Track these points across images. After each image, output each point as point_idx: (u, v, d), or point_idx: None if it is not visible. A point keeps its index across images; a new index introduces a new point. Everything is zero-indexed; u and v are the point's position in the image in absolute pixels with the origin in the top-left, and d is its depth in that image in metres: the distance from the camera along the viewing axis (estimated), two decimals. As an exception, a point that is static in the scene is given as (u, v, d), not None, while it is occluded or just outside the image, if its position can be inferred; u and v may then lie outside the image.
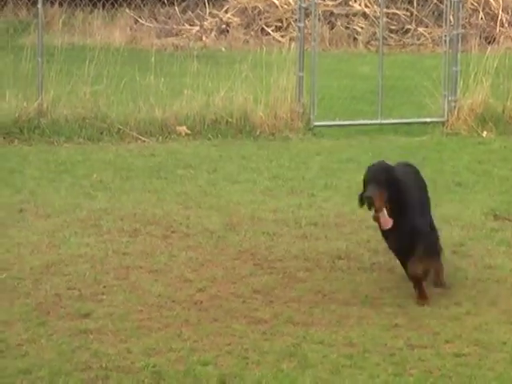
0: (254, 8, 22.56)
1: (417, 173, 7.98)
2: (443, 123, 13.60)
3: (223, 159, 11.83)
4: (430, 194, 7.82)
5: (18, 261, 7.92)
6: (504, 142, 12.89)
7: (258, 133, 13.14)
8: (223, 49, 19.79)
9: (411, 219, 7.30)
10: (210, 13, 22.79)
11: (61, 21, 20.06)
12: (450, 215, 9.43)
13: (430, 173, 11.14)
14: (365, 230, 8.87)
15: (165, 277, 7.57)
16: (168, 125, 13.18)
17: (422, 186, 7.87)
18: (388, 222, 7.07)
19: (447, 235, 8.77)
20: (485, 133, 13.30)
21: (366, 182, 7.47)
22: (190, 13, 23.09)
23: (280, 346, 6.29)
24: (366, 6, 22.24)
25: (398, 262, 7.50)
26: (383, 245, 8.41)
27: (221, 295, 7.22)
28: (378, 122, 13.57)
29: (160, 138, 12.93)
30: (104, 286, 7.35)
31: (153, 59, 13.81)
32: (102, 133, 12.89)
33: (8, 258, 7.99)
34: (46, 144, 12.65)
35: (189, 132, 13.18)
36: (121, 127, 13.00)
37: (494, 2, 22.44)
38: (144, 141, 12.81)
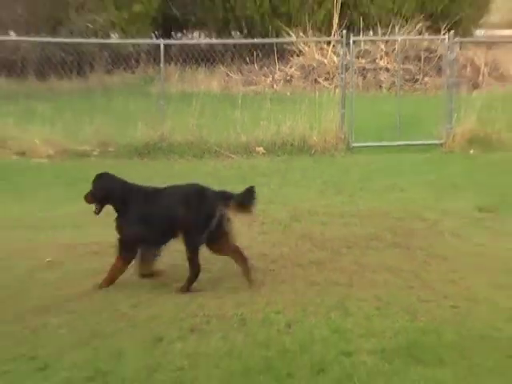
0: (310, 65, 22.51)
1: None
2: (442, 144, 13.57)
3: (288, 170, 11.86)
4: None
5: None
6: (485, 157, 12.83)
7: (313, 152, 13.16)
8: (288, 93, 19.76)
9: None
10: (279, 68, 22.77)
11: (176, 75, 20.24)
12: (448, 208, 9.40)
13: (434, 178, 11.12)
14: (389, 220, 8.87)
15: (248, 252, 7.55)
16: (250, 146, 13.23)
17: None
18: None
19: (447, 222, 8.75)
20: (472, 151, 13.23)
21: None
22: (265, 68, 23.10)
23: (329, 301, 6.28)
24: (388, 63, 22.13)
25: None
26: (404, 229, 8.41)
27: (287, 264, 7.24)
28: (397, 143, 13.56)
29: (244, 155, 12.99)
30: (205, 259, 7.37)
31: (239, 101, 13.88)
32: (203, 152, 12.98)
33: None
34: (166, 160, 12.77)
35: (264, 151, 13.22)
36: (217, 149, 13.09)
37: (477, 60, 22.30)
38: (233, 158, 12.87)
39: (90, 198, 6.81)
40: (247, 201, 6.71)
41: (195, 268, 6.60)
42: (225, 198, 6.72)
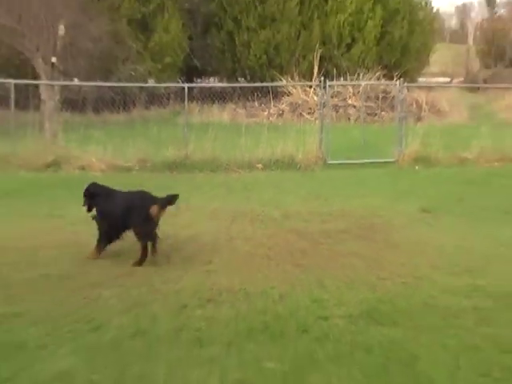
0: (296, 103, 22.57)
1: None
2: (395, 162, 13.55)
3: (280, 181, 11.83)
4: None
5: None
6: (426, 172, 12.82)
7: (298, 167, 13.13)
8: (280, 124, 19.78)
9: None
10: (273, 105, 22.82)
11: (197, 109, 20.28)
12: (399, 209, 9.39)
13: (389, 187, 11.11)
14: (355, 218, 8.84)
15: (250, 241, 7.58)
16: (251, 163, 13.21)
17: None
18: None
19: (398, 220, 8.74)
20: (416, 167, 13.21)
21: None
22: (263, 105, 23.14)
23: (311, 279, 6.28)
24: (355, 101, 22.20)
25: None
26: (366, 224, 8.39)
27: (279, 251, 7.22)
28: (362, 161, 13.55)
29: (247, 170, 12.96)
30: (217, 247, 7.39)
31: (243, 129, 13.88)
32: (217, 168, 12.96)
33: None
34: (189, 174, 12.74)
35: (262, 167, 13.20)
36: (227, 165, 13.08)
37: (420, 100, 22.37)
38: (239, 172, 12.85)
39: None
40: (172, 201, 6.89)
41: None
42: (156, 200, 6.89)
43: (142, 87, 22.19)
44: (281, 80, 22.18)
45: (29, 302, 5.59)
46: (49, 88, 15.11)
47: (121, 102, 19.09)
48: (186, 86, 15.92)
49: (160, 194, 7.02)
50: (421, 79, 31.52)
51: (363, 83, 20.26)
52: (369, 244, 7.56)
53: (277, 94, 22.98)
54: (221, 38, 26.25)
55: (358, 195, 10.47)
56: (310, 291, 5.94)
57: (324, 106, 14.20)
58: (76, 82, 19.61)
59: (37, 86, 15.58)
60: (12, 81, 13.83)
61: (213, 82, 28.36)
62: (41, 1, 15.57)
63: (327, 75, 21.03)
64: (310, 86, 21.90)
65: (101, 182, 7.36)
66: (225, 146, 13.44)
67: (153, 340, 4.90)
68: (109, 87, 20.24)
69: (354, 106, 21.99)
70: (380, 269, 6.61)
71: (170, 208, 8.47)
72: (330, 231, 8.10)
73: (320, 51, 24.85)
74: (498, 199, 10.12)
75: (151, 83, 23.41)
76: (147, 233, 6.85)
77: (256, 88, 22.25)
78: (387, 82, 21.46)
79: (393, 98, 18.05)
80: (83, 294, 5.82)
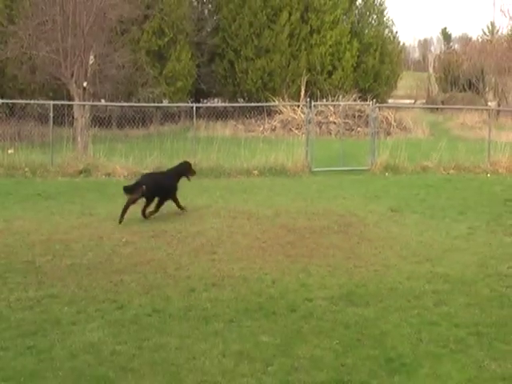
0: (286, 120, 22.48)
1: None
2: (369, 169, 13.50)
3: (273, 185, 11.75)
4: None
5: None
6: (395, 178, 12.76)
7: (288, 174, 13.05)
8: (273, 137, 19.75)
9: None
10: (267, 121, 22.77)
11: (203, 126, 20.23)
12: (372, 209, 9.36)
13: (364, 191, 11.07)
14: (335, 216, 8.79)
15: (248, 236, 7.55)
16: (249, 170, 13.11)
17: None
18: None
19: (371, 218, 8.72)
20: (386, 174, 13.16)
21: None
22: (258, 121, 23.09)
23: (298, 267, 6.28)
24: (335, 118, 22.12)
25: None
26: (344, 222, 8.36)
27: (272, 244, 7.20)
28: (341, 169, 13.49)
29: (245, 176, 12.88)
30: (220, 240, 7.38)
31: (242, 142, 13.86)
32: (220, 174, 12.84)
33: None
34: (197, 179, 12.60)
35: (258, 173, 13.13)
36: (229, 172, 13.03)
37: (389, 117, 22.35)
38: (239, 177, 12.78)
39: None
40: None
41: None
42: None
43: (157, 107, 22.15)
44: (274, 101, 22.07)
45: (60, 287, 5.58)
46: (80, 108, 15.09)
47: (140, 119, 19.07)
48: (194, 105, 15.97)
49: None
50: (390, 101, 31.51)
51: (342, 104, 20.21)
52: (347, 238, 7.55)
53: (270, 112, 22.92)
54: (223, 65, 26.30)
55: (337, 197, 10.45)
56: (297, 277, 5.95)
57: (309, 123, 14.16)
58: (103, 102, 19.56)
59: (71, 106, 15.55)
60: (51, 102, 13.89)
61: (217, 103, 28.29)
62: (75, 35, 15.56)
63: (312, 97, 21.01)
64: (298, 106, 21.81)
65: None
66: (227, 156, 13.39)
67: (166, 317, 4.91)
68: (130, 107, 20.21)
69: (335, 123, 21.91)
70: (356, 259, 6.62)
71: (177, 208, 8.55)
72: (314, 227, 8.08)
73: (306, 77, 24.92)
74: (453, 201, 10.13)
75: (165, 103, 23.34)
76: None
77: (253, 107, 22.19)
78: (362, 103, 21.42)
79: (367, 116, 18.02)
80: (109, 279, 5.82)
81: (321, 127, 21.69)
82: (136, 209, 8.39)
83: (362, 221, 8.52)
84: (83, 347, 4.33)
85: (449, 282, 5.81)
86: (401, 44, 35.33)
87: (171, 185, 8.61)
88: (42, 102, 17.70)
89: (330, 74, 27.39)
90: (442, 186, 11.61)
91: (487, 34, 42.53)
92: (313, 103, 14.27)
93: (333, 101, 22.46)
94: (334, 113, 22.38)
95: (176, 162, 9.53)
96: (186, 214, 8.78)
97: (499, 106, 28.48)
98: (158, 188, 8.35)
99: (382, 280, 5.85)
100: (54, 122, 13.51)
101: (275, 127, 22.38)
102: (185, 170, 9.01)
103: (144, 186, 8.19)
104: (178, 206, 8.69)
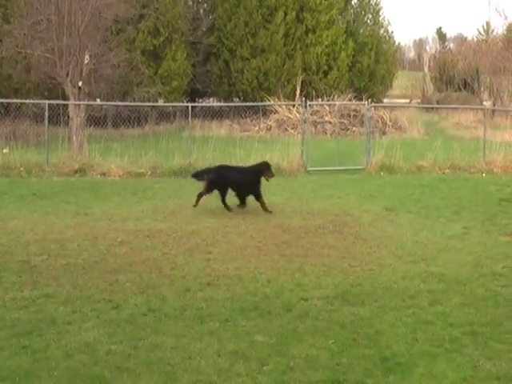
0: (282, 119, 22.49)
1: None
2: (364, 169, 13.51)
3: (269, 185, 11.71)
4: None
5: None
6: (389, 177, 12.78)
7: (284, 173, 13.02)
8: (268, 137, 19.72)
9: None
10: (263, 121, 22.76)
11: (198, 125, 20.21)
12: (367, 208, 9.37)
13: (359, 190, 11.08)
14: (330, 215, 8.80)
15: (243, 235, 7.55)
16: (244, 170, 13.12)
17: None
18: None
19: (366, 217, 8.74)
20: (382, 173, 13.18)
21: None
22: (254, 121, 23.07)
23: (294, 266, 6.28)
24: (330, 118, 22.14)
25: None
26: (339, 221, 8.36)
27: (268, 243, 7.20)
28: (336, 168, 13.50)
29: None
30: (215, 240, 7.36)
31: (238, 142, 13.84)
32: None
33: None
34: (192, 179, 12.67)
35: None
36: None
37: (384, 117, 22.38)
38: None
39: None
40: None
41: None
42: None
43: (153, 106, 22.17)
44: (269, 100, 22.05)
45: (55, 287, 5.56)
46: (76, 107, 15.05)
47: (135, 118, 19.02)
48: (189, 105, 15.97)
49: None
50: (385, 100, 31.56)
51: (337, 103, 20.21)
52: (342, 237, 7.55)
53: (265, 112, 22.91)
54: (219, 65, 26.28)
55: (333, 197, 10.46)
56: (292, 276, 5.94)
57: (305, 122, 14.17)
58: (98, 102, 19.55)
59: (66, 106, 15.52)
60: (46, 101, 13.87)
61: (212, 102, 28.27)
62: (70, 34, 15.53)
63: (307, 96, 20.99)
64: (293, 106, 21.83)
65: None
66: (222, 156, 13.36)
67: (162, 317, 4.90)
68: (125, 106, 20.20)
69: (330, 122, 21.93)
70: (351, 258, 6.62)
71: (173, 207, 8.47)
72: (309, 226, 8.09)
73: (302, 76, 24.92)
74: (448, 200, 10.16)
75: (161, 103, 23.34)
76: None
77: (248, 107, 22.19)
78: (357, 103, 21.43)
79: (362, 115, 18.04)
80: (104, 279, 5.81)
81: (316, 127, 21.70)
82: (132, 207, 8.37)
83: (357, 220, 8.52)
84: (78, 347, 4.31)
85: (444, 282, 5.83)
86: (396, 43, 35.39)
87: (246, 180, 8.90)
88: (37, 101, 17.67)
89: (325, 73, 27.41)
90: (437, 186, 11.63)
91: (482, 33, 42.72)
92: (308, 103, 14.26)
93: (328, 100, 22.46)
94: (330, 112, 22.38)
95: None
96: (181, 213, 8.77)
97: (494, 105, 28.59)
98: (226, 181, 8.75)
99: (377, 279, 5.86)
100: (49, 122, 13.47)
101: (270, 127, 22.35)
102: (264, 169, 9.17)
103: (209, 175, 8.76)
104: (263, 207, 8.91)
